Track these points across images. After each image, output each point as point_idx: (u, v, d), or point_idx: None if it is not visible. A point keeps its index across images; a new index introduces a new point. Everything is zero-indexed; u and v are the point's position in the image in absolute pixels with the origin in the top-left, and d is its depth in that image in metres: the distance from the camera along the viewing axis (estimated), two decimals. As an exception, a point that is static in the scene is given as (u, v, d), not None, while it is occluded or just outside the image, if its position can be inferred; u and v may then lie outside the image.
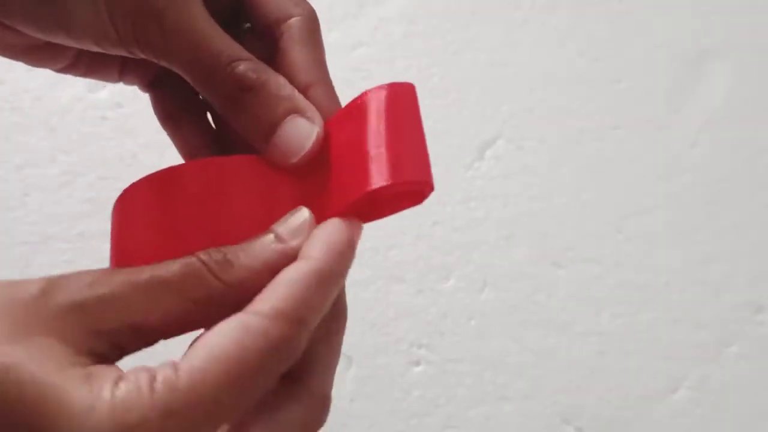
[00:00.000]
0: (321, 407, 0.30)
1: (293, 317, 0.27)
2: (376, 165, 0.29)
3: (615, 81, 0.86)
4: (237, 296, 0.27)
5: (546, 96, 0.85)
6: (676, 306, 0.79)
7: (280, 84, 0.31)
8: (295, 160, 0.30)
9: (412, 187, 0.31)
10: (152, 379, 0.25)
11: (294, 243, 0.29)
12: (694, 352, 0.78)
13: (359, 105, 0.31)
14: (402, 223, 0.79)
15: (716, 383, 0.77)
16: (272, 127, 0.30)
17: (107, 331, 0.26)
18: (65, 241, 0.75)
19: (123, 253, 0.31)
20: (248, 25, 0.35)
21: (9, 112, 0.79)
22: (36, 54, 0.33)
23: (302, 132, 0.31)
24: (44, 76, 0.82)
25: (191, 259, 0.27)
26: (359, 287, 0.77)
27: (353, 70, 0.83)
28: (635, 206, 0.82)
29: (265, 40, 0.33)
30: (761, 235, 0.82)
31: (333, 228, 0.29)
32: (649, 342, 0.78)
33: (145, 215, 0.31)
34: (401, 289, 0.77)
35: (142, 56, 0.31)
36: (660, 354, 0.77)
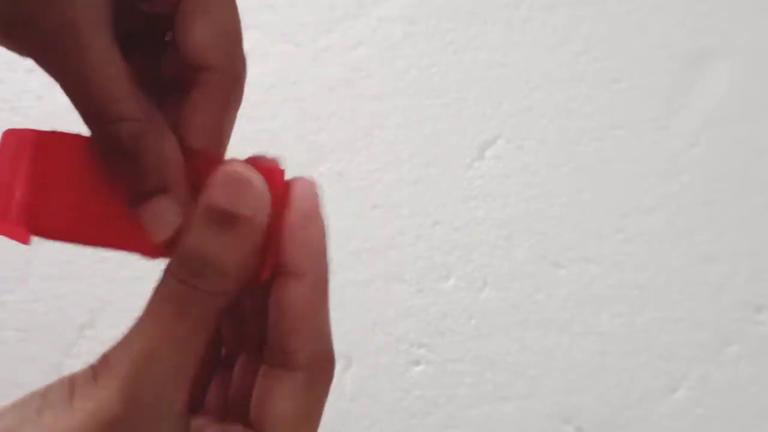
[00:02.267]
0: (319, 369, 0.28)
1: (329, 354, 0.28)
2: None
3: (615, 81, 0.86)
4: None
5: (546, 96, 0.85)
6: (675, 306, 0.79)
7: (159, 158, 0.28)
8: (157, 240, 0.28)
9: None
10: None
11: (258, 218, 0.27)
12: (693, 351, 0.78)
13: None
14: (402, 223, 0.79)
15: (716, 383, 0.77)
16: (137, 197, 0.28)
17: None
18: (65, 240, 0.75)
19: None
20: (168, 38, 0.31)
21: (9, 112, 0.79)
22: None
23: (164, 216, 0.28)
24: (45, 76, 0.82)
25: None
26: (359, 287, 0.77)
27: (353, 70, 0.83)
28: (635, 206, 0.82)
29: (184, 68, 0.30)
30: (761, 234, 0.82)
31: (317, 231, 0.28)
32: (649, 342, 0.78)
33: (11, 171, 0.30)
34: (401, 289, 0.77)
35: (25, 55, 0.28)
36: (660, 353, 0.78)
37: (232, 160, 0.27)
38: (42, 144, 0.30)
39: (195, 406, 0.30)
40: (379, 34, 0.85)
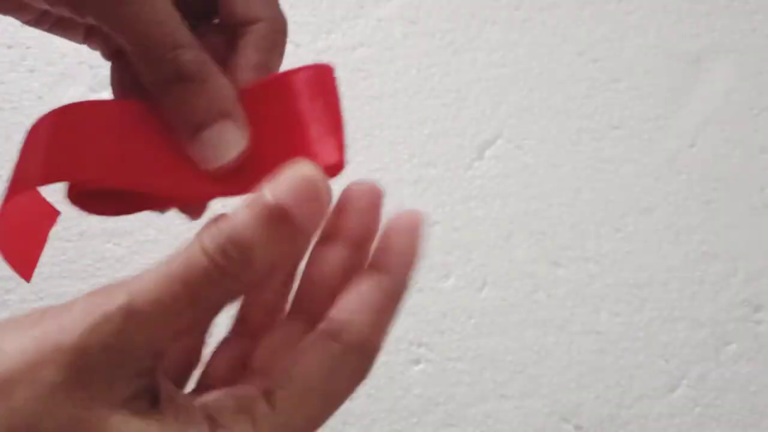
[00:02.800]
0: (358, 356, 0.27)
1: (376, 347, 0.27)
2: (318, 143, 0.30)
3: (614, 81, 0.86)
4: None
5: (545, 96, 0.85)
6: (674, 305, 0.79)
7: (220, 84, 0.29)
8: (214, 165, 0.29)
9: (333, 168, 0.31)
10: (254, 421, 0.25)
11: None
12: (692, 350, 0.78)
13: (283, 82, 0.30)
14: (402, 222, 0.79)
15: (715, 382, 0.77)
16: (200, 125, 0.29)
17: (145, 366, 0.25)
18: (66, 240, 0.75)
19: (20, 176, 0.30)
20: (217, 21, 0.34)
21: (10, 112, 0.79)
22: (2, 4, 0.32)
23: (230, 140, 0.29)
24: (45, 76, 0.82)
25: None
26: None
27: (353, 70, 0.83)
28: (634, 206, 0.82)
29: (228, 39, 0.32)
30: (760, 234, 0.82)
31: (409, 228, 0.28)
32: (648, 341, 0.78)
33: (51, 144, 0.30)
34: (401, 288, 0.77)
35: (87, 19, 0.29)
36: (659, 352, 0.78)
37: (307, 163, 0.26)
38: (63, 115, 0.30)
39: (180, 383, 0.30)
40: (379, 34, 0.85)
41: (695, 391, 0.77)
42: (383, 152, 0.82)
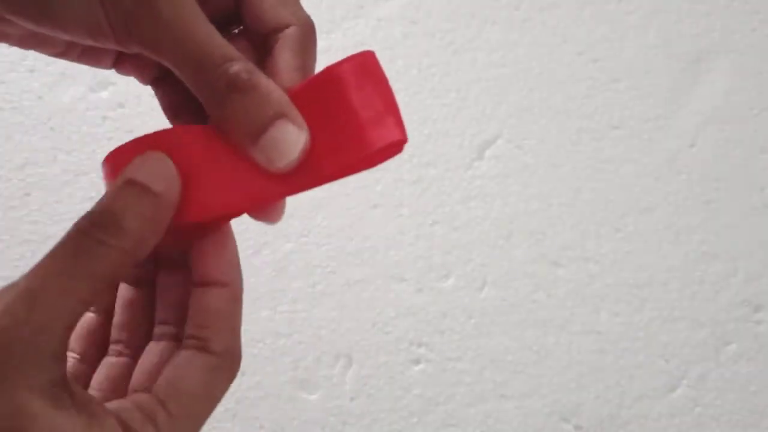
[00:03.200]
0: (230, 359, 0.31)
1: (239, 351, 0.32)
2: (378, 125, 0.31)
3: (614, 81, 0.86)
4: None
5: (545, 96, 0.85)
6: (674, 305, 0.79)
7: (271, 87, 0.31)
8: (280, 165, 0.30)
9: (397, 144, 0.33)
10: (157, 428, 0.29)
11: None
12: (692, 350, 0.78)
13: (330, 77, 0.32)
14: (402, 222, 0.79)
15: (715, 382, 0.77)
16: (260, 129, 0.30)
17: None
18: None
19: None
20: (237, 30, 0.35)
21: (10, 112, 0.79)
22: (29, 40, 0.33)
23: (290, 139, 0.30)
24: (46, 76, 0.82)
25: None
26: (359, 286, 0.77)
27: (353, 70, 0.83)
28: (634, 206, 0.82)
29: (257, 47, 0.33)
30: (759, 234, 0.82)
31: (232, 249, 0.32)
32: (648, 341, 0.78)
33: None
34: (401, 288, 0.77)
35: (135, 51, 0.31)
36: (659, 352, 0.78)
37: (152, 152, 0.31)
38: (148, 146, 0.32)
39: (82, 380, 0.33)
40: (379, 34, 0.85)
41: (695, 391, 0.77)
42: (383, 152, 0.82)
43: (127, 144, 0.32)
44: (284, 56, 0.32)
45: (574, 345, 0.77)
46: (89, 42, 0.31)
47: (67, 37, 0.31)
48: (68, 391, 0.27)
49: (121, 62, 0.36)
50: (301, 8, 0.34)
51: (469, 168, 0.82)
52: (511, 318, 0.77)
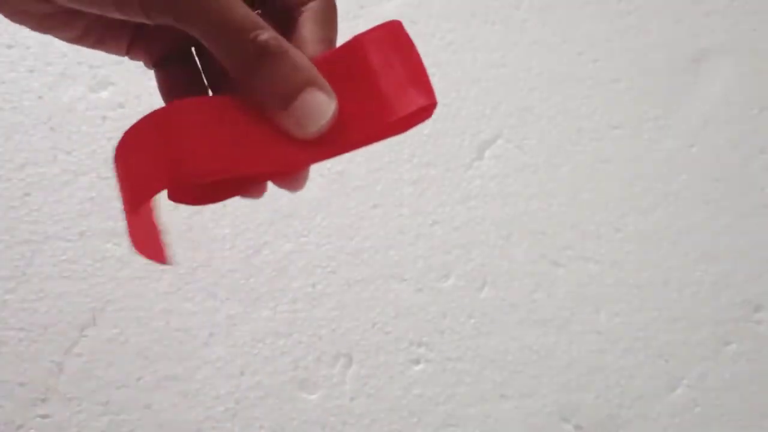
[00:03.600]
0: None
1: None
2: (403, 91, 0.32)
3: (614, 81, 0.86)
4: None
5: (545, 96, 0.85)
6: (674, 305, 0.79)
7: (300, 56, 0.31)
8: (310, 131, 0.31)
9: (428, 108, 0.33)
10: None
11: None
12: (692, 350, 0.78)
13: (355, 46, 0.32)
14: (402, 222, 0.79)
15: (715, 381, 0.77)
16: (291, 95, 0.31)
17: None
18: (66, 240, 0.75)
19: (133, 191, 0.33)
20: (259, 11, 0.36)
21: (10, 111, 0.79)
22: (48, 22, 0.34)
23: (321, 105, 0.31)
24: (46, 76, 0.82)
25: None
26: (359, 286, 0.77)
27: (353, 70, 0.83)
28: (634, 205, 0.82)
29: (280, 23, 0.34)
30: (759, 234, 0.82)
31: None
32: (648, 340, 0.78)
33: (150, 151, 0.32)
34: (401, 288, 0.77)
35: (161, 21, 0.31)
36: (659, 352, 0.78)
37: None
38: (156, 120, 0.32)
39: None
40: (379, 34, 0.85)
41: (695, 390, 0.77)
42: (383, 152, 0.82)
43: (140, 122, 0.32)
44: (309, 27, 0.33)
45: (574, 345, 0.77)
46: (116, 14, 0.31)
47: (94, 10, 0.31)
48: None
49: (134, 48, 0.36)
50: None
51: (469, 168, 0.82)
52: (511, 318, 0.78)
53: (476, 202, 0.81)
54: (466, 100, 0.84)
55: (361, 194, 0.80)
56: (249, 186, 0.34)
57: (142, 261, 0.76)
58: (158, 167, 0.31)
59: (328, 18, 0.34)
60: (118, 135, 0.32)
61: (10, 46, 0.79)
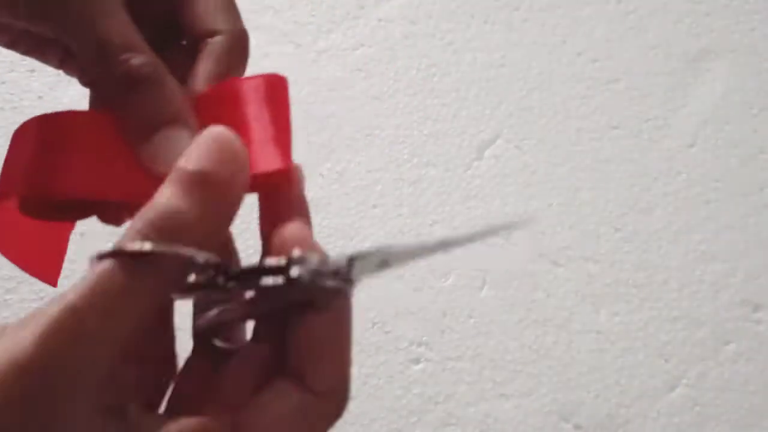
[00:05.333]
0: (328, 405, 0.28)
1: (345, 392, 0.28)
2: (268, 150, 0.30)
3: (613, 81, 0.86)
4: None
5: (545, 96, 0.85)
6: (674, 304, 0.79)
7: (171, 89, 0.29)
8: (163, 169, 0.28)
9: (282, 171, 0.31)
10: None
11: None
12: (692, 350, 0.78)
13: (233, 89, 0.31)
14: (401, 222, 0.79)
15: (714, 381, 0.77)
16: (150, 130, 0.29)
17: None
18: (67, 240, 0.75)
19: (6, 178, 0.31)
20: (184, 42, 0.34)
21: (10, 112, 0.79)
22: None
23: (180, 143, 0.28)
24: (46, 76, 0.83)
25: None
26: (359, 286, 0.77)
27: (353, 70, 0.84)
28: (633, 205, 0.82)
29: (190, 56, 0.32)
30: (758, 234, 0.82)
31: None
32: (647, 340, 0.78)
33: (24, 154, 0.31)
34: (401, 288, 0.78)
35: (41, 28, 0.29)
36: (658, 352, 0.78)
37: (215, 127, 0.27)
38: (42, 124, 0.31)
39: (149, 402, 0.29)
40: (379, 34, 0.86)
41: (694, 390, 0.77)
42: (383, 152, 0.82)
43: (37, 119, 0.31)
44: (205, 63, 0.31)
45: (573, 344, 0.77)
46: (7, 18, 0.30)
47: None
48: (122, 414, 0.25)
49: (67, 63, 0.35)
50: (237, 17, 0.32)
51: (469, 168, 0.82)
52: (510, 317, 0.78)
53: (476, 202, 0.81)
54: (466, 100, 0.84)
55: (361, 194, 0.80)
56: (106, 211, 0.32)
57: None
58: (23, 173, 0.30)
59: (231, 56, 0.31)
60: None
61: (10, 47, 0.79)
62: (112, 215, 0.33)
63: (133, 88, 0.29)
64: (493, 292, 0.78)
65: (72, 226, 0.36)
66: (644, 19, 0.89)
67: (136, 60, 0.28)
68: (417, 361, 0.76)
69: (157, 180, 0.27)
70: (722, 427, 0.76)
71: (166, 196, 0.25)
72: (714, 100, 0.87)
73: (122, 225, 0.33)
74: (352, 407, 0.75)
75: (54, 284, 0.34)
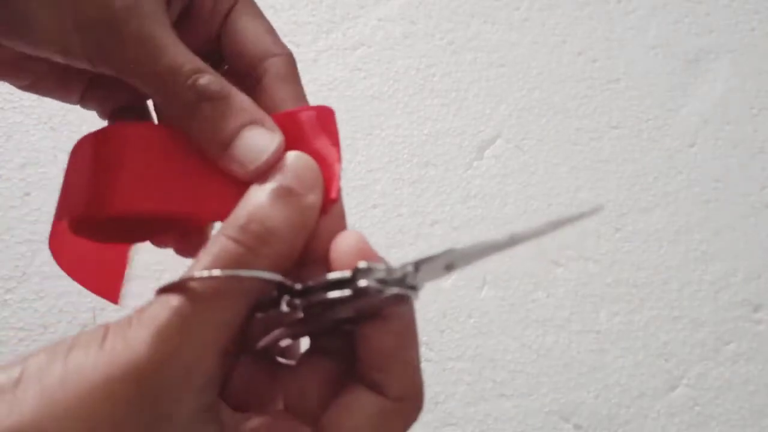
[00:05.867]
0: (409, 404, 0.29)
1: (420, 393, 0.29)
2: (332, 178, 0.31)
3: (613, 81, 0.86)
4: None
5: (545, 96, 0.85)
6: (674, 304, 0.79)
7: (241, 98, 0.30)
8: (251, 168, 0.30)
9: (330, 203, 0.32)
10: None
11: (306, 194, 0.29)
12: (692, 350, 0.78)
13: (293, 120, 0.32)
14: (401, 222, 0.79)
15: (714, 381, 0.77)
16: (230, 136, 0.30)
17: None
18: (67, 240, 0.75)
19: (60, 204, 0.32)
20: (226, 67, 0.35)
21: (10, 111, 0.79)
22: None
23: (261, 141, 0.30)
24: (46, 76, 0.82)
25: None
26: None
27: (353, 70, 0.84)
28: (633, 205, 0.82)
29: (242, 80, 0.33)
30: (759, 234, 0.82)
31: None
32: (648, 340, 0.78)
33: (83, 173, 0.31)
34: (401, 288, 0.77)
35: (103, 69, 0.30)
36: (658, 352, 0.78)
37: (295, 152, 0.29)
38: (102, 138, 0.31)
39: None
40: (379, 34, 0.85)
41: (695, 390, 0.77)
42: (383, 152, 0.82)
43: (95, 135, 0.32)
44: (276, 87, 0.32)
45: (573, 344, 0.77)
46: (61, 61, 0.30)
47: (34, 53, 0.31)
48: (217, 417, 0.26)
49: (88, 98, 0.36)
50: (280, 40, 0.34)
51: (469, 168, 0.82)
52: (510, 317, 0.78)
53: (476, 202, 0.81)
54: (466, 100, 0.84)
55: (361, 194, 0.80)
56: (158, 234, 0.33)
57: (142, 261, 0.76)
58: (82, 193, 0.31)
59: (293, 75, 0.33)
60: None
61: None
62: (163, 238, 0.34)
63: (206, 105, 0.30)
64: (493, 292, 0.78)
65: (130, 246, 0.36)
66: (644, 19, 0.89)
67: (204, 79, 0.30)
68: (417, 361, 0.76)
69: (219, 194, 0.29)
70: (722, 427, 0.76)
71: (254, 203, 0.27)
72: (714, 100, 0.87)
73: (177, 249, 0.33)
74: (352, 407, 0.75)
75: (115, 301, 0.35)
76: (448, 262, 0.28)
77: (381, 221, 0.79)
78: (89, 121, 0.84)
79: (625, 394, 0.76)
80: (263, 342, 0.29)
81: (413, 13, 0.87)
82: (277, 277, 0.26)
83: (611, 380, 0.77)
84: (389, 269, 0.27)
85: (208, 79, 0.30)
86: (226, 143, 0.30)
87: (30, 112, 0.79)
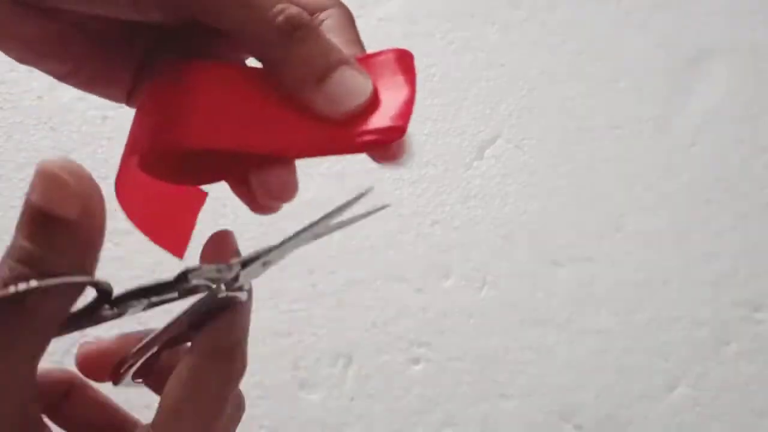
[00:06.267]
0: (213, 363, 0.29)
1: (231, 349, 0.29)
2: (394, 109, 0.31)
3: (614, 81, 0.86)
4: None
5: (545, 95, 0.85)
6: (674, 304, 0.79)
7: (329, 36, 0.29)
8: (345, 110, 0.29)
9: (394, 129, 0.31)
10: None
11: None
12: (692, 350, 0.78)
13: (373, 60, 0.32)
14: (402, 222, 0.79)
15: (714, 381, 0.77)
16: (325, 72, 0.29)
17: None
18: (67, 240, 0.75)
19: (129, 143, 0.31)
20: None
21: (10, 111, 0.79)
22: (37, 47, 0.31)
23: (356, 83, 0.29)
24: (46, 76, 0.82)
25: None
26: (359, 287, 0.77)
27: (353, 69, 0.83)
28: (634, 205, 0.82)
29: None
30: (759, 234, 0.82)
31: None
32: (648, 340, 0.78)
33: (155, 108, 0.30)
34: (401, 288, 0.78)
35: (179, 17, 0.29)
36: (658, 352, 0.78)
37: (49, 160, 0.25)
38: (178, 75, 0.30)
39: None
40: (379, 34, 0.85)
41: (695, 390, 0.77)
42: (383, 152, 0.82)
43: (165, 74, 0.30)
44: (338, 31, 0.31)
45: (573, 344, 0.77)
46: (133, 15, 0.29)
47: (109, 12, 0.29)
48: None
49: (136, 93, 0.33)
50: None
51: (469, 168, 0.82)
52: (510, 317, 0.78)
53: (476, 202, 0.81)
54: (466, 100, 0.84)
55: (361, 194, 0.80)
56: (233, 175, 0.32)
57: (142, 261, 0.76)
58: (158, 126, 0.30)
59: (350, 22, 0.32)
60: (118, 135, 0.31)
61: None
62: (237, 179, 0.32)
63: (299, 35, 0.28)
64: (493, 293, 0.78)
65: (202, 200, 0.36)
66: (645, 18, 0.89)
67: (292, 9, 0.28)
68: (417, 361, 0.76)
69: (296, 132, 0.29)
70: (722, 427, 0.76)
71: (21, 235, 0.25)
72: (714, 99, 0.87)
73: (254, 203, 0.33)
74: (353, 408, 0.75)
75: (180, 255, 0.34)
76: (266, 259, 0.28)
77: (381, 221, 0.79)
78: (89, 121, 0.84)
79: (625, 394, 0.76)
80: (125, 369, 0.30)
81: (413, 12, 0.87)
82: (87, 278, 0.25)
83: (612, 380, 0.77)
84: (219, 268, 0.27)
85: (296, 9, 0.28)
86: (319, 78, 0.29)
87: (30, 113, 0.79)
